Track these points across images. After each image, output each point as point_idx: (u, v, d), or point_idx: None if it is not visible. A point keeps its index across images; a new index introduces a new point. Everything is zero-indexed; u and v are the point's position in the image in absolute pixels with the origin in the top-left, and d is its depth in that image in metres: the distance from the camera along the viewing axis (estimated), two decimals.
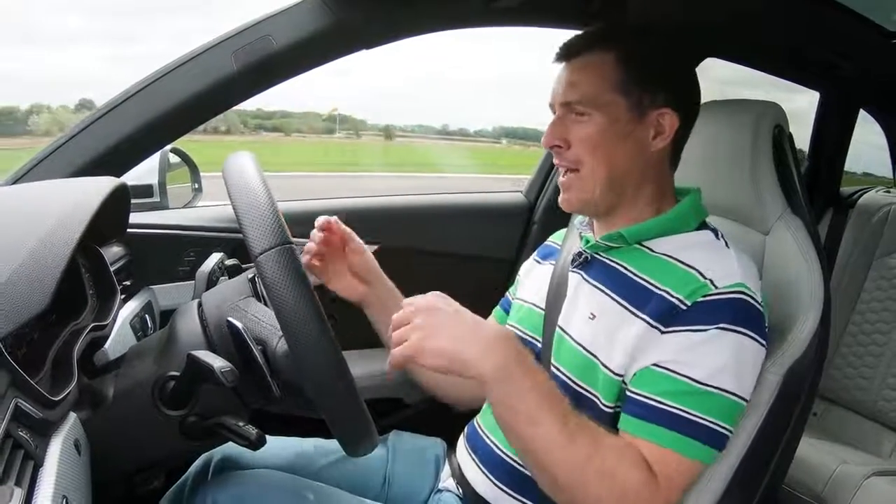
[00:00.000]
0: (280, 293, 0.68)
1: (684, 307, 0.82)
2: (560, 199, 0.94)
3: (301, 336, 0.68)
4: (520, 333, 1.01)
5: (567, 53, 0.93)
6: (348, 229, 1.08)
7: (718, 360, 0.80)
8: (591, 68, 0.90)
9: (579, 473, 0.76)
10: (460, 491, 1.00)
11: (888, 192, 2.02)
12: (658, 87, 0.89)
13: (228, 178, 0.77)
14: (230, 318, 0.80)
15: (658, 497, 0.78)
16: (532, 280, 1.07)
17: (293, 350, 0.70)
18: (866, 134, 2.14)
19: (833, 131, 2.04)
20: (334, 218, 1.06)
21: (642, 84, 0.88)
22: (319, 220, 1.05)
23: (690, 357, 0.80)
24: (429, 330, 0.75)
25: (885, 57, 1.59)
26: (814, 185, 2.05)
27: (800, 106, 2.12)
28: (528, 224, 1.76)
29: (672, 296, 0.83)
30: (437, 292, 0.81)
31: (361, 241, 1.10)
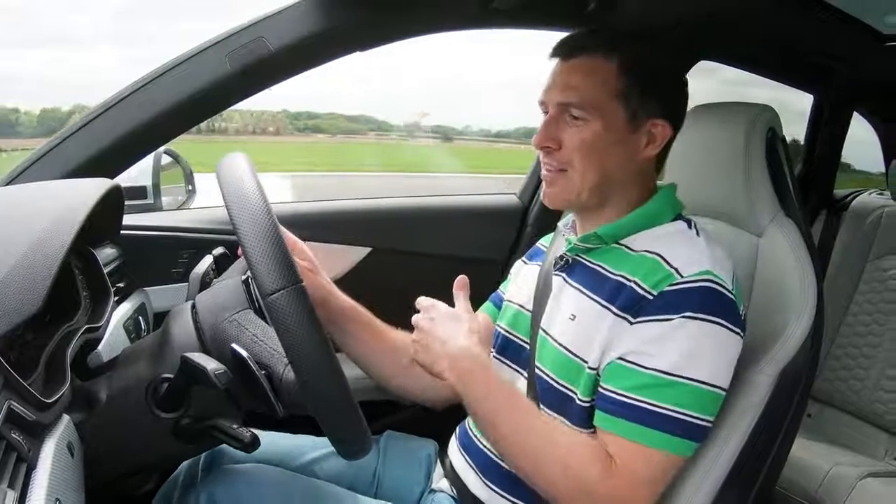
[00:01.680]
0: (292, 336, 0.68)
1: (651, 297, 0.83)
2: (543, 193, 0.94)
3: (313, 378, 0.69)
4: (510, 336, 1.01)
5: (568, 51, 0.91)
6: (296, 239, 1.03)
7: (684, 350, 0.80)
8: (592, 72, 0.88)
9: (535, 464, 0.84)
10: (454, 491, 1.00)
11: (881, 193, 2.03)
12: (655, 98, 0.89)
13: (230, 204, 0.73)
14: (234, 346, 0.80)
15: (621, 489, 0.79)
16: (520, 281, 1.07)
17: (304, 389, 0.70)
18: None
19: (827, 133, 2.06)
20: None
21: (641, 96, 0.88)
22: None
23: (656, 348, 0.81)
24: (421, 345, 0.92)
25: (879, 60, 1.60)
26: (808, 187, 2.06)
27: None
28: (521, 226, 1.75)
29: (640, 286, 0.84)
30: (424, 300, 0.95)
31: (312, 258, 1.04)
